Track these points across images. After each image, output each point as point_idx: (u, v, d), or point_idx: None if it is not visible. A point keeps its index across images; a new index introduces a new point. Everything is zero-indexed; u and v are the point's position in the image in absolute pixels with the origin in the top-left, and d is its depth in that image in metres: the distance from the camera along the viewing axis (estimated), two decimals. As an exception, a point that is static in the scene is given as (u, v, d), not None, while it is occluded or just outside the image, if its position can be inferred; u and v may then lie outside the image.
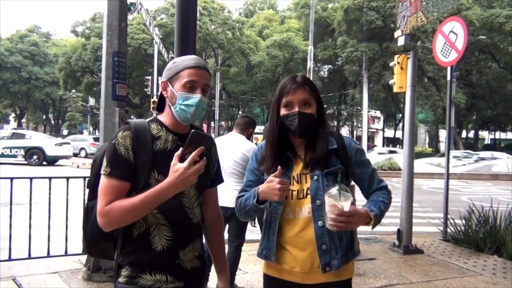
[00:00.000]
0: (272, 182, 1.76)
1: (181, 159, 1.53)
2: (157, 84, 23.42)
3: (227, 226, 4.17)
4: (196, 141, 1.53)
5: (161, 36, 27.39)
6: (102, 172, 1.62)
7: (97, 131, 49.81)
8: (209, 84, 1.73)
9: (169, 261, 1.67)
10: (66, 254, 4.82)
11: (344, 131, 44.54)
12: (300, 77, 1.93)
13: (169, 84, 1.70)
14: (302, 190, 1.89)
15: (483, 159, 24.08)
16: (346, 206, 1.72)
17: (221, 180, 1.91)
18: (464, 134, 46.91)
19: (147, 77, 25.62)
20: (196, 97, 1.66)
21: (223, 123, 46.83)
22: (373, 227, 1.88)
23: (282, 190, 1.75)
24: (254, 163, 2.05)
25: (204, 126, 35.81)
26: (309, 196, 1.87)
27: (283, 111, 1.91)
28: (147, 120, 1.75)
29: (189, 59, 1.71)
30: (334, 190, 1.73)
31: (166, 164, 1.55)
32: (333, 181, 1.85)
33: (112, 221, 1.58)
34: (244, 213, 1.96)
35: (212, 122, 37.57)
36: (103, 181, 1.60)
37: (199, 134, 1.55)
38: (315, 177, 1.88)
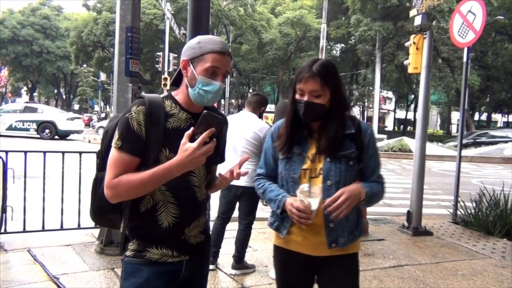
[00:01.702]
0: (293, 209, 1.86)
1: (191, 139, 1.52)
2: (168, 61, 23.32)
3: (237, 204, 4.21)
4: (207, 122, 1.52)
5: (172, 12, 27.12)
6: (113, 144, 1.62)
7: (108, 106, 50.04)
8: (229, 70, 1.72)
9: (174, 237, 1.70)
10: (79, 227, 4.91)
11: (355, 112, 44.21)
12: (317, 66, 1.92)
13: (190, 64, 1.67)
14: (314, 170, 1.96)
15: None
16: (314, 203, 1.81)
17: (223, 159, 1.94)
18: (476, 117, 46.33)
19: (158, 53, 25.49)
20: (216, 85, 1.65)
21: (233, 101, 46.70)
22: (361, 206, 1.96)
23: (300, 218, 1.85)
24: (270, 143, 2.13)
25: (215, 104, 35.71)
26: (321, 176, 1.94)
27: (296, 96, 1.97)
28: (161, 96, 1.74)
29: (215, 42, 1.67)
30: (305, 186, 1.83)
31: (178, 143, 1.55)
32: (345, 164, 1.94)
33: (119, 194, 1.59)
34: (264, 200, 2.11)
35: (223, 100, 37.48)
36: (113, 153, 1.61)
37: (211, 116, 1.53)
38: (329, 158, 1.94)
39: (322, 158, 1.95)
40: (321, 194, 1.83)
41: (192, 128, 1.54)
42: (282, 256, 2.10)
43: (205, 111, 1.55)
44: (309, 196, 1.81)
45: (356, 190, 1.88)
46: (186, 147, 1.51)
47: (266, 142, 2.16)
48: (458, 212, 6.79)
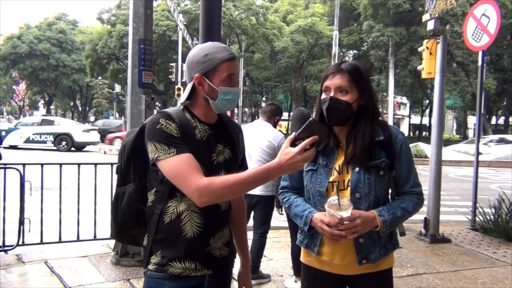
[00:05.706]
0: (324, 226, 1.78)
1: (293, 144, 1.51)
2: (182, 71, 23.51)
3: (252, 213, 4.19)
4: (312, 129, 1.51)
5: (185, 23, 27.38)
6: (166, 157, 1.56)
7: (123, 117, 50.57)
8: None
9: (200, 248, 1.68)
10: (95, 238, 4.94)
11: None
12: (346, 64, 1.87)
13: (205, 78, 1.66)
14: (342, 181, 1.85)
15: None
16: (345, 216, 1.73)
17: (245, 168, 1.90)
18: (493, 121, 45.64)
19: (171, 64, 25.72)
20: (236, 91, 1.69)
21: (246, 109, 46.80)
22: (382, 233, 1.83)
23: (333, 235, 1.76)
24: None
25: (228, 113, 35.82)
26: (349, 188, 1.84)
27: (322, 96, 1.89)
28: (180, 109, 1.74)
29: (220, 49, 1.68)
30: (334, 199, 1.74)
31: (203, 153, 1.57)
32: (375, 174, 1.83)
33: (212, 193, 1.53)
34: (290, 215, 2.02)
35: (236, 109, 37.58)
36: (177, 162, 1.55)
37: (317, 124, 1.53)
38: (357, 169, 1.83)
39: (350, 168, 1.84)
40: (352, 205, 1.74)
41: (294, 133, 1.52)
42: (310, 276, 2.00)
43: (311, 119, 1.54)
44: (339, 209, 1.72)
45: (369, 217, 1.78)
46: (287, 150, 1.49)
47: None
48: (477, 219, 6.67)
